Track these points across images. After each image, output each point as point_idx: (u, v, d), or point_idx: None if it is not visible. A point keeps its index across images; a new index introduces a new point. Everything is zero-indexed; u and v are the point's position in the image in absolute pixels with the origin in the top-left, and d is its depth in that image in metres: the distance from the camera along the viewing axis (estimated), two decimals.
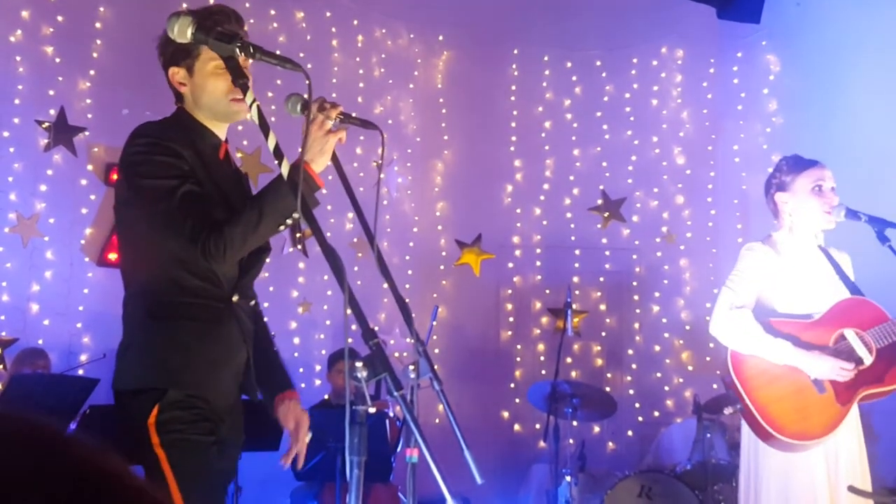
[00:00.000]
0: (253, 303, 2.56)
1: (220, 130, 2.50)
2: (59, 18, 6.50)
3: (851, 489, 3.10)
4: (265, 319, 2.70)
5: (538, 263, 7.78)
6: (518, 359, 7.66)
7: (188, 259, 2.26)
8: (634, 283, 7.75)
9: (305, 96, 2.09)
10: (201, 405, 2.29)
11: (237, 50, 2.03)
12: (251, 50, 2.03)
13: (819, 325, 3.33)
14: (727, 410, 3.39)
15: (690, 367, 7.44)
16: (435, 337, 6.73)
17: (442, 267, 7.64)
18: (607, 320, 7.75)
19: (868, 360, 3.26)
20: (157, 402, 2.23)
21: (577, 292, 7.33)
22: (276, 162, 1.97)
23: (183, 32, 2.04)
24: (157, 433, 2.22)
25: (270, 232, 2.29)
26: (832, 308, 3.35)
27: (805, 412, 3.22)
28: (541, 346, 7.65)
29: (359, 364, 1.75)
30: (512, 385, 7.54)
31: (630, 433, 7.39)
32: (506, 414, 7.49)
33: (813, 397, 3.23)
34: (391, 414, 5.30)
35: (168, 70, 2.43)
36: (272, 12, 7.22)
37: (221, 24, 2.19)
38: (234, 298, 2.40)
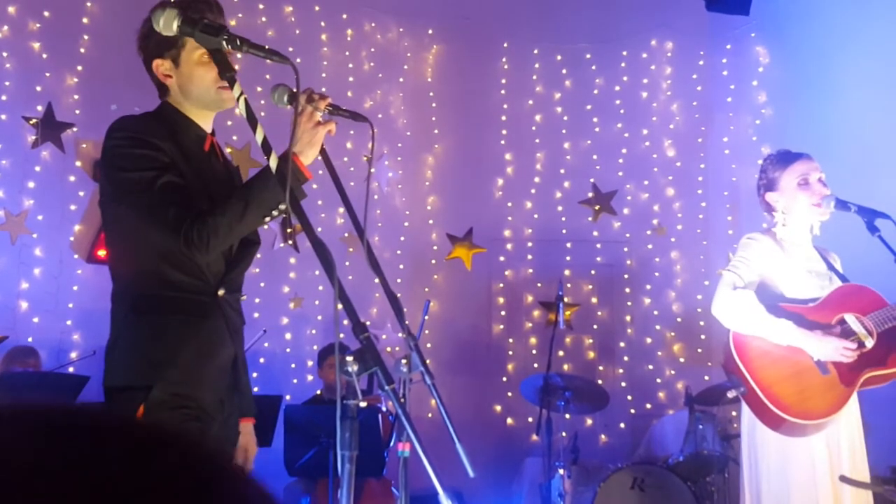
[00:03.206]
0: (242, 298, 2.53)
1: (206, 122, 2.47)
2: (46, 14, 6.47)
3: (843, 479, 3.11)
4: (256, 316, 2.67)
5: (529, 257, 7.79)
6: (510, 352, 7.66)
7: (172, 252, 2.24)
8: (626, 276, 7.76)
9: (293, 88, 2.07)
10: (189, 405, 2.26)
11: (224, 42, 2.02)
12: (238, 42, 2.02)
13: (819, 310, 3.34)
14: (730, 394, 3.37)
15: (682, 359, 7.46)
16: (427, 331, 6.72)
17: (433, 261, 7.64)
18: (599, 313, 7.76)
19: (869, 343, 3.27)
20: (143, 401, 2.21)
21: (568, 285, 7.33)
22: (265, 156, 1.96)
23: (169, 25, 2.02)
24: None
25: (256, 223, 2.26)
26: (832, 293, 3.36)
27: (809, 392, 3.21)
28: (533, 340, 7.66)
29: (349, 359, 1.74)
30: (504, 378, 7.54)
31: (622, 425, 7.41)
32: (498, 407, 7.49)
33: (816, 378, 3.23)
34: (384, 408, 5.29)
35: (152, 63, 2.39)
36: (261, 6, 7.19)
37: (204, 15, 2.17)
38: (220, 293, 2.37)
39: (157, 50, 2.36)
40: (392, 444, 5.00)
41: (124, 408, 2.22)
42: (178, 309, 2.30)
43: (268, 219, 2.23)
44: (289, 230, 6.90)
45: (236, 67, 2.15)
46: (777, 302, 3.36)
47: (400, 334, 5.54)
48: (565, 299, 6.42)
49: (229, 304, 2.41)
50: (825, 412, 3.18)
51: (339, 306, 1.77)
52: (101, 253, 6.29)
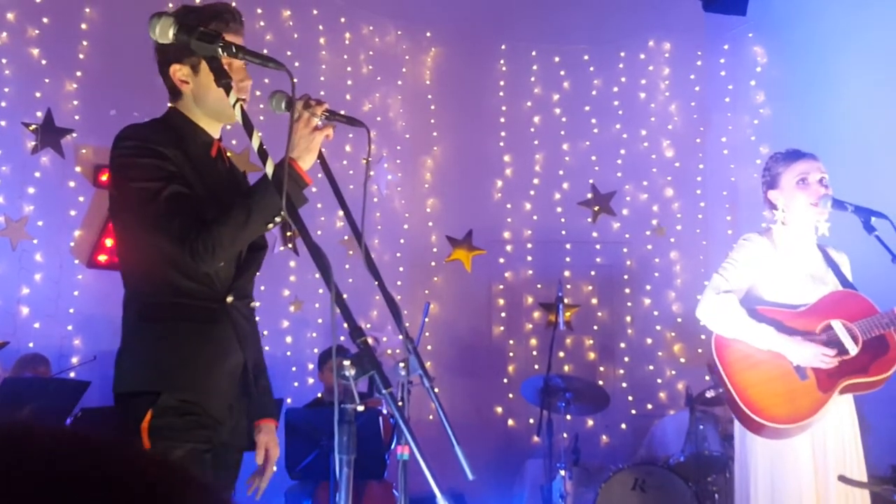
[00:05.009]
0: (253, 304, 2.53)
1: (214, 129, 2.48)
2: (45, 20, 6.48)
3: (842, 479, 3.11)
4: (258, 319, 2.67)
5: (529, 258, 7.79)
6: (511, 354, 7.67)
7: (180, 260, 2.24)
8: (625, 277, 7.77)
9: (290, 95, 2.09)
10: (197, 411, 2.27)
11: (219, 50, 2.03)
12: (234, 49, 2.03)
13: (807, 315, 3.34)
14: (709, 393, 3.42)
15: (682, 360, 7.47)
16: (427, 333, 6.73)
17: (433, 263, 7.65)
18: (599, 314, 7.76)
19: (853, 350, 3.26)
20: (152, 406, 2.22)
21: (568, 287, 7.35)
22: (261, 162, 1.97)
23: (164, 33, 2.03)
24: (149, 439, 2.20)
25: (259, 230, 2.28)
26: (822, 299, 3.36)
27: (786, 397, 3.23)
28: (533, 341, 7.67)
29: (347, 362, 1.75)
30: (505, 380, 7.55)
31: (623, 426, 7.41)
32: (499, 409, 7.50)
33: (794, 383, 3.24)
34: (384, 411, 5.30)
35: (169, 67, 2.38)
36: (259, 11, 7.21)
37: (211, 23, 2.19)
38: (229, 299, 2.37)
39: (176, 55, 2.34)
40: (393, 446, 5.00)
41: (132, 413, 2.24)
42: (186, 316, 2.31)
43: (271, 225, 2.24)
44: (288, 234, 6.91)
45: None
46: (760, 305, 3.38)
47: (399, 337, 5.57)
48: (565, 300, 6.43)
49: (238, 311, 2.41)
50: (800, 416, 3.19)
51: (337, 311, 1.78)
52: (102, 258, 6.31)
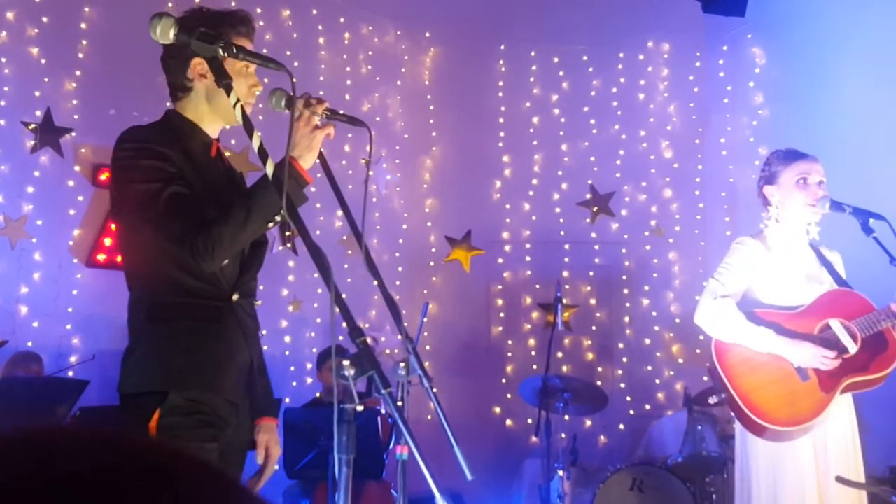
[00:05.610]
0: (256, 303, 2.54)
1: (215, 129, 2.49)
2: (45, 19, 6.48)
3: (840, 479, 3.12)
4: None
5: (528, 259, 7.80)
6: (509, 354, 7.67)
7: (184, 260, 2.25)
8: (624, 277, 7.77)
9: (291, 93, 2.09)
10: (205, 410, 2.28)
11: (220, 50, 2.04)
12: (234, 50, 2.04)
13: (804, 315, 3.35)
14: (712, 399, 3.43)
15: (681, 360, 7.47)
16: (426, 333, 6.74)
17: (432, 263, 7.65)
18: (597, 314, 7.77)
19: (853, 349, 3.27)
20: (159, 405, 2.23)
21: (566, 287, 7.35)
22: (261, 162, 1.97)
23: (165, 34, 2.04)
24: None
25: (259, 230, 2.28)
26: (818, 298, 3.37)
27: (788, 399, 3.24)
28: (532, 342, 7.67)
29: (346, 362, 1.75)
30: (503, 380, 7.55)
31: (621, 426, 7.41)
32: (497, 409, 7.50)
33: (796, 385, 3.25)
34: (383, 411, 5.30)
35: (190, 61, 2.36)
36: (258, 10, 7.20)
37: (237, 27, 2.20)
38: (235, 297, 2.38)
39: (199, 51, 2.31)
40: (391, 446, 5.00)
41: (140, 413, 2.24)
42: (193, 315, 2.32)
43: (271, 224, 2.25)
44: (287, 233, 6.91)
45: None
46: (758, 308, 3.39)
47: (398, 337, 5.57)
48: (564, 301, 6.43)
49: (243, 309, 2.43)
50: (804, 418, 3.20)
51: (336, 310, 1.79)
52: (101, 257, 6.31)
